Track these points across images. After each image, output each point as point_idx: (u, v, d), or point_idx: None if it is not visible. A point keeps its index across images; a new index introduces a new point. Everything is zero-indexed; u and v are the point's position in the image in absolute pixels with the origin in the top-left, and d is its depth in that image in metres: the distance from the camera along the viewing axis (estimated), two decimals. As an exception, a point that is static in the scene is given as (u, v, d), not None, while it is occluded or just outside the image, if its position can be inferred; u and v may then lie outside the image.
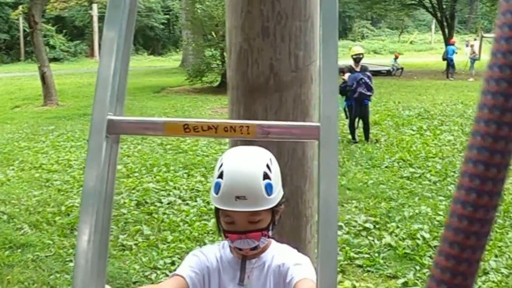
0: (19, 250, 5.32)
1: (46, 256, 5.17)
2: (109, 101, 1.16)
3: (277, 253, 1.80)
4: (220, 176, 1.64)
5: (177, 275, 1.73)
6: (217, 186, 1.64)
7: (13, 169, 8.49)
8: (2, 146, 10.31)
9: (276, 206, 1.70)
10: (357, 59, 10.06)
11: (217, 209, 1.71)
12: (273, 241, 1.84)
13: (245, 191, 1.61)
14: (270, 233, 1.73)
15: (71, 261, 5.04)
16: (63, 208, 6.51)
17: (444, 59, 25.72)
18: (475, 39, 26.74)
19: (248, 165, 1.66)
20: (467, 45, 28.23)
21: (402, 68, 26.33)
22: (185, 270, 1.73)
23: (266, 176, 1.64)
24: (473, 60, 24.95)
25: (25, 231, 5.84)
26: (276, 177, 1.69)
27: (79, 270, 1.10)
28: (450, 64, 25.09)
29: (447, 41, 28.08)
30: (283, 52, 2.31)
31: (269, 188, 1.65)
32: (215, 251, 1.84)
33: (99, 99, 1.16)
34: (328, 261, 1.06)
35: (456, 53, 25.43)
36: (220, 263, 1.80)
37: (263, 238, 1.70)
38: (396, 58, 26.90)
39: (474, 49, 25.58)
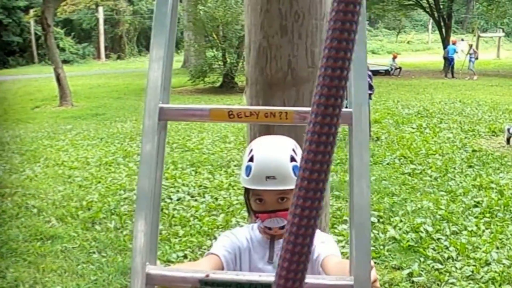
0: (49, 242, 5.52)
1: (73, 248, 5.37)
2: (159, 91, 1.25)
3: None
4: (251, 159, 1.75)
5: (212, 253, 1.81)
6: (248, 169, 1.75)
7: (39, 166, 8.74)
8: (28, 144, 10.63)
9: None
10: (358, 58, 10.13)
11: (247, 192, 1.82)
12: None
13: (274, 172, 1.71)
14: None
15: (94, 253, 5.25)
16: (84, 203, 6.70)
17: (445, 58, 25.84)
18: (462, 40, 26.78)
19: (277, 149, 1.79)
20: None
21: (400, 68, 26.42)
22: (219, 249, 1.82)
23: (292, 159, 1.75)
24: (473, 59, 25.02)
25: (53, 224, 6.04)
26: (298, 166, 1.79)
27: (137, 242, 1.19)
28: (450, 63, 25.22)
29: (445, 41, 28.19)
30: (300, 49, 2.40)
31: (296, 170, 1.72)
32: (245, 233, 1.92)
33: (151, 89, 1.25)
34: (362, 242, 1.15)
35: (457, 52, 25.57)
36: (250, 243, 1.89)
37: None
38: (394, 58, 26.99)
39: (474, 48, 25.67)
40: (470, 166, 8.32)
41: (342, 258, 1.85)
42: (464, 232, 5.57)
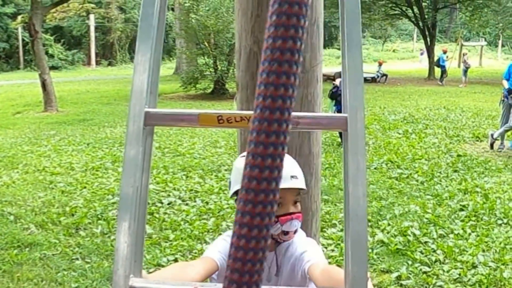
0: (27, 249, 5.28)
1: (53, 255, 5.14)
2: (145, 94, 1.16)
3: (289, 243, 1.83)
4: None
5: (207, 256, 1.74)
6: None
7: (17, 172, 8.42)
8: (6, 150, 10.19)
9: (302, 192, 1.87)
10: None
11: None
12: None
13: (296, 172, 1.79)
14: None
15: (77, 259, 5.04)
16: (67, 208, 6.47)
17: (437, 66, 26.04)
18: (445, 52, 27.04)
19: (289, 157, 1.85)
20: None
21: (386, 75, 26.52)
22: (215, 254, 1.75)
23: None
24: (466, 68, 25.24)
25: (32, 231, 5.80)
26: None
27: (119, 254, 1.11)
28: (442, 70, 25.48)
29: (428, 50, 28.40)
30: (291, 54, 2.32)
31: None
32: None
33: (136, 92, 1.16)
34: (359, 253, 1.07)
35: (447, 59, 25.85)
36: None
37: (300, 221, 1.77)
38: (380, 65, 27.14)
39: (464, 58, 25.89)
40: (455, 171, 8.30)
41: (326, 262, 1.80)
42: (451, 236, 5.52)
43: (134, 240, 1.12)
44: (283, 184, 1.68)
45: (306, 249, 1.78)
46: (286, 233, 1.75)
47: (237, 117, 1.14)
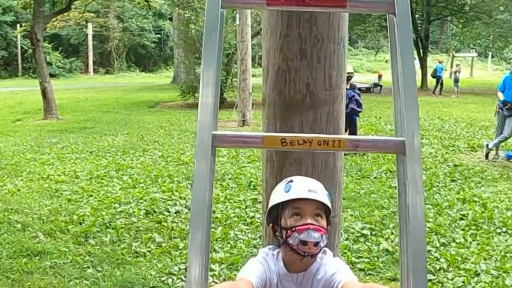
0: (37, 258, 5.23)
1: (64, 263, 5.11)
2: (212, 118, 1.21)
3: (319, 266, 1.88)
4: (290, 181, 1.84)
5: (246, 279, 1.78)
6: (288, 187, 1.82)
7: (22, 180, 8.39)
8: (9, 158, 10.17)
9: (330, 216, 1.86)
10: (348, 77, 10.15)
11: (280, 211, 1.82)
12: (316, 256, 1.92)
13: (315, 188, 1.82)
14: (327, 236, 1.82)
15: (88, 267, 5.02)
16: (74, 217, 6.44)
17: (433, 76, 26.29)
18: (441, 63, 27.36)
19: (311, 179, 1.92)
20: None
21: (381, 86, 26.76)
22: (252, 278, 1.79)
23: (324, 189, 1.87)
24: (456, 79, 25.51)
25: (40, 239, 5.76)
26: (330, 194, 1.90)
27: (192, 273, 1.15)
28: (438, 81, 25.73)
29: (421, 61, 28.64)
30: (319, 72, 2.37)
31: (329, 197, 1.85)
32: (273, 264, 1.90)
33: (204, 115, 1.21)
34: (419, 270, 1.12)
35: (446, 70, 26.13)
36: (279, 277, 1.88)
37: (324, 236, 1.79)
38: (380, 77, 27.52)
39: (457, 68, 26.17)
40: (453, 180, 8.37)
41: (357, 279, 1.84)
42: (453, 244, 5.58)
43: (204, 259, 1.16)
44: (299, 195, 1.78)
45: (336, 270, 1.82)
46: (304, 243, 1.77)
47: (300, 140, 1.19)
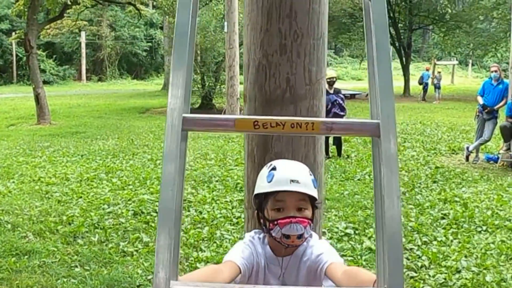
0: (26, 257, 5.14)
1: (52, 262, 5.02)
2: (183, 100, 1.14)
3: (306, 249, 1.82)
4: (273, 169, 1.75)
5: (232, 262, 1.72)
6: (271, 176, 1.74)
7: (13, 182, 8.28)
8: (1, 161, 10.05)
9: (316, 202, 1.78)
10: (331, 82, 10.13)
11: (263, 202, 1.76)
12: None
13: (298, 177, 1.72)
14: (311, 226, 1.75)
15: (76, 266, 4.93)
16: (64, 218, 6.35)
17: (420, 83, 26.46)
18: (428, 70, 27.63)
19: (296, 163, 1.86)
20: None
21: (367, 93, 26.90)
22: (238, 259, 1.74)
23: (310, 174, 1.78)
24: (438, 85, 25.67)
25: (29, 239, 5.68)
26: (316, 180, 1.81)
27: (160, 258, 1.08)
28: (425, 88, 25.94)
29: (404, 68, 28.82)
30: (299, 67, 2.32)
31: (314, 183, 1.77)
32: (261, 247, 1.84)
33: (174, 99, 1.14)
34: (395, 261, 1.05)
35: (432, 78, 26.38)
36: (266, 260, 1.81)
37: (308, 227, 1.73)
38: None
39: (437, 76, 26.36)
40: (434, 182, 8.35)
41: (343, 262, 1.79)
42: (434, 242, 5.54)
43: (173, 243, 1.09)
44: (280, 187, 1.69)
45: (322, 251, 1.77)
46: (287, 236, 1.71)
47: (272, 123, 1.12)
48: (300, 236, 1.72)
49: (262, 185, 1.76)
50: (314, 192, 1.74)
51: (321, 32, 2.36)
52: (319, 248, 1.80)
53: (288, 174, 1.72)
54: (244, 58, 2.47)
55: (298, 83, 2.32)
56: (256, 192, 1.80)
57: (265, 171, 1.78)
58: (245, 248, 1.81)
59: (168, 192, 1.10)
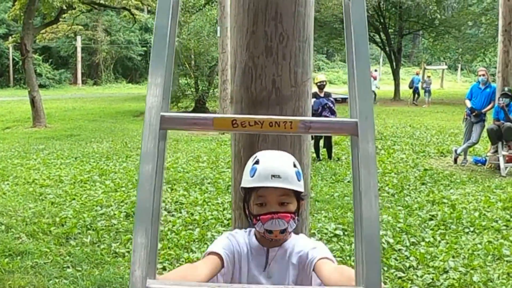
0: (18, 258, 5.10)
1: (45, 263, 4.98)
2: (161, 99, 1.12)
3: (296, 242, 1.80)
4: (256, 163, 1.71)
5: (213, 253, 1.69)
6: (253, 170, 1.70)
7: (8, 184, 8.22)
8: (-4, 163, 10.00)
9: (302, 195, 1.74)
10: (321, 85, 10.14)
11: (247, 196, 1.74)
12: (292, 233, 1.83)
13: (279, 171, 1.68)
14: (296, 219, 1.72)
15: (68, 267, 4.89)
16: (57, 219, 6.30)
17: (410, 87, 26.57)
18: (375, 70, 27.92)
19: (280, 155, 1.79)
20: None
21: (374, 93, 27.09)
22: (219, 249, 1.71)
23: (295, 165, 1.74)
24: (428, 89, 25.77)
25: (23, 240, 5.63)
26: (301, 171, 1.76)
27: (136, 256, 1.05)
28: (416, 91, 26.04)
29: (394, 73, 28.94)
30: (284, 69, 2.30)
31: (298, 175, 1.72)
32: (244, 238, 1.82)
33: (152, 96, 1.12)
34: (372, 257, 1.04)
35: (422, 82, 26.53)
36: (249, 250, 1.78)
37: (291, 221, 1.70)
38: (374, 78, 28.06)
39: (427, 80, 26.49)
40: (423, 184, 8.35)
41: (335, 260, 1.75)
42: (422, 243, 5.53)
43: (150, 242, 1.07)
44: (261, 183, 1.66)
45: (315, 246, 1.75)
46: (270, 231, 1.69)
47: (251, 121, 1.10)
48: (283, 231, 1.70)
49: (246, 179, 1.73)
50: (297, 186, 1.70)
51: (306, 34, 2.34)
52: (311, 243, 1.78)
53: (269, 169, 1.68)
54: (231, 60, 2.45)
55: (284, 84, 2.31)
56: (241, 185, 1.78)
57: (249, 164, 1.75)
58: (225, 238, 1.80)
59: (145, 192, 1.08)
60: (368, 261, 1.02)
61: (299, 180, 1.71)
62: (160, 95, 1.12)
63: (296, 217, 1.73)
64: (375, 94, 26.87)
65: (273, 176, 1.66)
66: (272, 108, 2.31)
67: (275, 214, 1.67)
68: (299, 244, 1.79)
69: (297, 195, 1.72)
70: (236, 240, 1.79)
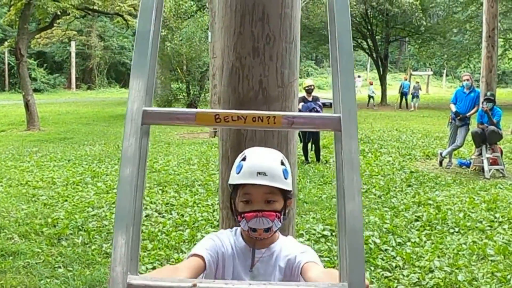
0: (11, 258, 5.04)
1: (36, 263, 4.91)
2: (143, 94, 1.09)
3: (284, 245, 1.76)
4: (243, 159, 1.67)
5: (195, 255, 1.64)
6: (239, 167, 1.66)
7: (1, 185, 8.12)
8: (-11, 166, 9.87)
9: (288, 193, 1.68)
10: (309, 90, 10.14)
11: (233, 192, 1.70)
12: (280, 235, 1.79)
13: (265, 169, 1.63)
14: (282, 218, 1.67)
15: (60, 267, 4.83)
16: (49, 220, 6.23)
17: (400, 92, 26.74)
18: (359, 76, 28.12)
19: (268, 152, 1.74)
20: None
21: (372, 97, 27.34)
22: (202, 251, 1.65)
23: (282, 163, 1.68)
24: (416, 94, 25.96)
25: (15, 241, 5.55)
26: (289, 169, 1.71)
27: (117, 252, 1.01)
28: (405, 96, 26.23)
29: (381, 78, 29.07)
30: (271, 70, 2.27)
31: (285, 173, 1.66)
32: (229, 238, 1.77)
33: (134, 90, 1.08)
34: (356, 256, 1.01)
35: (412, 88, 26.78)
36: (234, 250, 1.73)
37: (276, 220, 1.65)
38: (371, 84, 28.36)
39: (415, 85, 26.65)
40: (409, 186, 8.35)
41: (322, 266, 1.71)
42: (408, 243, 5.51)
43: (131, 239, 1.03)
44: (247, 180, 1.61)
45: (303, 250, 1.71)
46: (254, 230, 1.64)
47: (234, 116, 1.07)
48: (267, 230, 1.65)
49: (232, 175, 1.69)
50: (283, 184, 1.64)
51: (293, 35, 2.31)
52: (299, 247, 1.74)
53: (255, 166, 1.63)
54: (218, 61, 2.42)
55: (271, 85, 2.28)
56: (228, 182, 1.73)
57: (237, 160, 1.71)
58: (208, 239, 1.75)
59: (126, 190, 1.04)
60: (351, 257, 0.99)
61: (286, 178, 1.65)
62: (143, 90, 1.08)
63: (282, 216, 1.67)
64: (372, 99, 27.02)
65: (258, 173, 1.61)
66: (259, 108, 2.28)
67: (259, 212, 1.63)
68: (287, 247, 1.74)
69: (284, 193, 1.67)
70: (221, 240, 1.74)
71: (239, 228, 1.78)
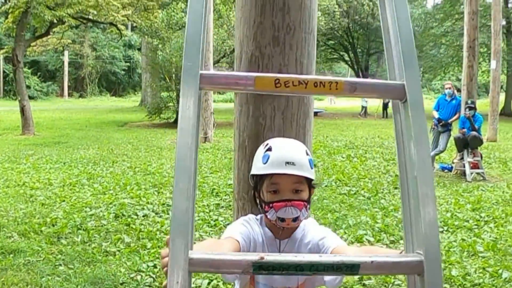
0: (11, 256, 4.84)
1: (37, 261, 4.73)
2: (200, 56, 0.99)
3: (305, 231, 1.66)
4: (268, 149, 1.58)
5: (232, 238, 1.54)
6: (266, 157, 1.57)
7: (-2, 186, 7.93)
8: (-14, 168, 9.62)
9: (313, 182, 1.61)
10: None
11: (259, 183, 1.60)
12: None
13: (293, 158, 1.56)
14: (308, 207, 1.58)
15: (60, 265, 4.65)
16: (48, 219, 6.04)
17: (383, 103, 26.98)
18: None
19: (293, 142, 1.66)
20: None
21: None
22: (237, 235, 1.56)
23: (307, 153, 1.62)
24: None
25: (15, 239, 5.37)
26: (312, 159, 1.65)
27: (177, 221, 0.91)
28: (386, 106, 26.49)
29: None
30: (291, 59, 2.19)
31: (311, 163, 1.61)
32: (258, 226, 1.67)
33: (191, 56, 0.99)
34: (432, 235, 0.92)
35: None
36: (263, 239, 1.64)
37: (304, 209, 1.56)
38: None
39: None
40: (396, 188, 8.31)
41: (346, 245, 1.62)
42: (401, 241, 5.45)
43: (191, 208, 0.93)
44: (275, 170, 1.53)
45: (325, 235, 1.61)
46: (282, 219, 1.57)
47: (295, 81, 0.98)
48: (295, 219, 1.57)
49: (258, 166, 1.60)
50: (310, 173, 1.58)
51: (311, 26, 2.24)
52: (321, 232, 1.65)
53: (283, 156, 1.56)
54: (236, 51, 2.33)
55: (290, 74, 2.19)
56: (252, 172, 1.64)
57: (261, 150, 1.62)
58: (241, 225, 1.65)
59: (186, 150, 0.94)
60: (426, 224, 0.90)
61: (311, 168, 1.60)
62: (200, 52, 0.99)
63: (308, 205, 1.60)
64: (365, 108, 27.15)
65: (287, 163, 1.54)
66: (278, 97, 2.20)
67: (288, 202, 1.55)
68: (309, 233, 1.65)
69: (309, 182, 1.61)
70: (252, 228, 1.65)
71: (263, 217, 1.68)
